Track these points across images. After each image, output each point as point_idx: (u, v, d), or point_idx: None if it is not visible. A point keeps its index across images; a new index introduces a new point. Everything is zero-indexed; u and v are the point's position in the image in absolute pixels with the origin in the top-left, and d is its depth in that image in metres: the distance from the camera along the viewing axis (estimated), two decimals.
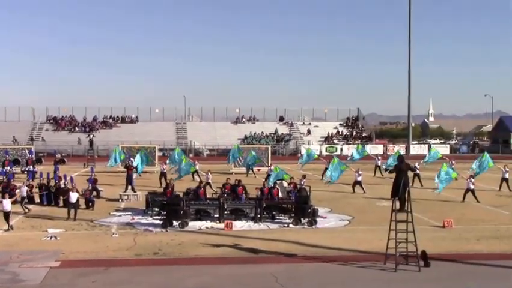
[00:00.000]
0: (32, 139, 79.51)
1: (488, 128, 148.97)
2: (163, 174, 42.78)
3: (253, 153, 47.93)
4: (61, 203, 32.32)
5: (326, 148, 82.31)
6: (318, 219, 27.40)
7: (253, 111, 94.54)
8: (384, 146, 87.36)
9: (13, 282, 17.65)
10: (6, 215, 25.99)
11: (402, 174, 19.61)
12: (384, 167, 46.62)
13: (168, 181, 35.36)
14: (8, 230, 25.61)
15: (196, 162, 47.16)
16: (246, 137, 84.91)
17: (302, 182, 34.47)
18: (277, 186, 31.19)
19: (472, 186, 34.28)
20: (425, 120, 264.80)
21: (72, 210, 28.12)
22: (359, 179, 39.28)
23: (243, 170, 50.66)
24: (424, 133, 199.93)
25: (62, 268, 19.19)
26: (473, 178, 35.11)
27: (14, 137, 76.05)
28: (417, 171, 42.48)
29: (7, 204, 26.13)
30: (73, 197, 28.61)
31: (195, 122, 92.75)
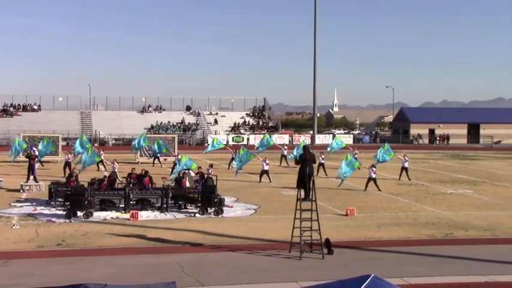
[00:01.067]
0: None
1: (390, 118, 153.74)
2: (67, 164, 41.80)
3: (160, 142, 47.58)
4: None
5: (233, 138, 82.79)
6: (224, 208, 27.52)
7: (160, 100, 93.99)
8: (290, 135, 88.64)
9: None
10: None
11: (306, 164, 19.95)
12: (290, 157, 47.24)
13: (72, 170, 34.59)
14: None
15: (102, 151, 46.52)
16: (152, 127, 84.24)
17: (209, 171, 34.58)
18: (185, 176, 31.13)
19: (373, 175, 35.30)
20: (330, 110, 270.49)
21: None
22: (266, 168, 39.70)
23: (150, 160, 50.21)
24: (329, 123, 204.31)
25: None
26: (374, 167, 36.14)
27: None
28: (322, 161, 43.32)
29: None
30: None
31: (100, 111, 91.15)
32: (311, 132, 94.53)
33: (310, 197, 19.83)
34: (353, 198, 32.00)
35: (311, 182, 19.91)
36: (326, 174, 42.08)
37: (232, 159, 46.97)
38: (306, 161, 20.01)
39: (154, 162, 49.34)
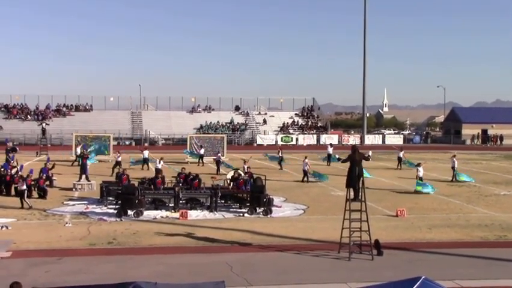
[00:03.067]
0: None
1: (441, 118, 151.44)
2: (117, 163, 42.40)
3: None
4: (13, 192, 31.83)
5: (282, 138, 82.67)
6: (273, 208, 27.50)
7: (209, 100, 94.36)
8: (339, 136, 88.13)
9: None
10: None
11: (356, 164, 19.78)
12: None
13: (122, 170, 35.02)
14: None
15: (146, 150, 47.31)
16: (201, 126, 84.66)
17: (245, 166, 34.85)
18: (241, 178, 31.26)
19: (421, 175, 35.07)
20: (380, 110, 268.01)
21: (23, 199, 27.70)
22: (306, 168, 39.56)
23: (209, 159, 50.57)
24: (378, 123, 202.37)
25: (13, 258, 18.91)
26: (419, 166, 35.82)
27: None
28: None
29: None
30: (23, 186, 28.21)
31: (150, 111, 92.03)
32: (361, 132, 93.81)
33: (360, 197, 19.66)
34: (403, 199, 31.62)
35: (360, 182, 19.74)
36: (308, 181, 40.59)
37: (281, 159, 46.97)
38: (355, 161, 19.83)
39: (199, 162, 49.43)
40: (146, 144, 71.02)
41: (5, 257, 18.96)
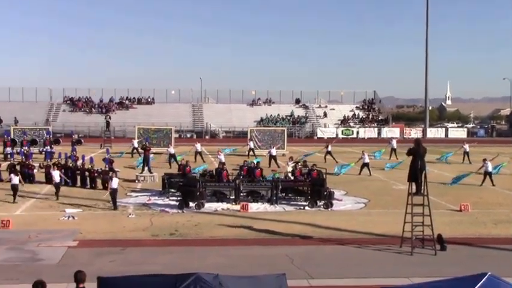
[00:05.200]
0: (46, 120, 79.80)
1: (507, 111, 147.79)
2: (172, 156, 42.93)
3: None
4: (78, 183, 32.61)
5: (342, 131, 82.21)
6: (333, 201, 27.39)
7: (270, 93, 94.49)
8: (400, 129, 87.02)
9: (32, 261, 17.85)
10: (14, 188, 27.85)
11: (418, 158, 19.49)
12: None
13: (180, 161, 35.44)
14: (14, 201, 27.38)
15: (198, 143, 47.68)
16: (262, 119, 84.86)
17: (289, 163, 34.77)
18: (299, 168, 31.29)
19: (489, 169, 34.14)
20: (442, 103, 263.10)
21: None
22: (367, 160, 39.24)
23: (261, 152, 50.56)
24: (441, 117, 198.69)
25: (79, 248, 19.38)
26: (486, 161, 34.89)
27: (47, 119, 76.33)
28: (367, 160, 40.50)
29: (15, 178, 27.97)
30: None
31: (211, 104, 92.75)
32: (423, 125, 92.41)
33: (422, 191, 19.37)
34: (467, 194, 30.99)
35: (423, 176, 19.44)
36: (370, 174, 39.57)
37: (328, 152, 46.56)
38: (417, 155, 19.54)
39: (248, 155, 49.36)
40: (207, 137, 71.55)
41: (71, 247, 19.45)
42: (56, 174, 28.59)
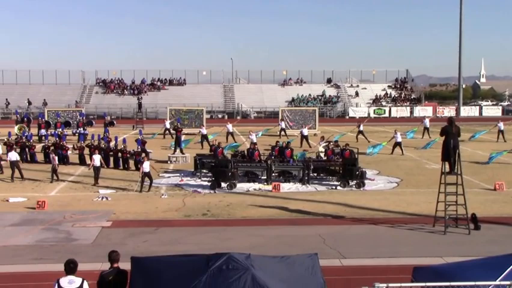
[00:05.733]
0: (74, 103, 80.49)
1: None
2: (204, 137, 43.07)
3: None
4: (111, 164, 32.91)
5: (374, 110, 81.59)
6: (366, 181, 27.27)
7: (301, 73, 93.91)
8: (433, 108, 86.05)
9: (67, 241, 18.12)
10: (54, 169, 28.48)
11: (451, 137, 19.26)
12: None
13: (212, 142, 35.53)
14: (52, 182, 28.17)
15: (229, 123, 47.71)
16: (293, 99, 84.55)
17: (320, 143, 34.65)
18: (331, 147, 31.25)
19: None
20: (476, 81, 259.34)
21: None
22: (399, 140, 38.95)
23: (292, 132, 50.45)
24: (475, 95, 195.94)
25: (113, 228, 19.60)
26: None
27: (76, 101, 77.11)
28: (399, 139, 40.12)
29: (54, 159, 28.88)
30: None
31: (242, 84, 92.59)
32: (456, 104, 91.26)
33: (456, 170, 19.17)
34: (502, 173, 30.61)
35: (456, 155, 19.23)
36: (403, 153, 38.98)
37: (360, 132, 46.24)
38: (450, 134, 19.31)
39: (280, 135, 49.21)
40: (238, 118, 71.54)
41: (105, 227, 19.68)
42: (97, 158, 28.45)
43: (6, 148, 35.78)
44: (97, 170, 27.95)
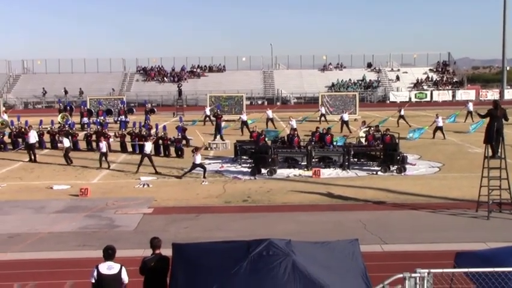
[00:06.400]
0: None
1: None
2: (244, 123, 43.12)
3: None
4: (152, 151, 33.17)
5: (415, 94, 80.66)
6: (407, 166, 27.03)
7: (340, 58, 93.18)
8: (476, 91, 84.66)
9: (110, 227, 18.37)
10: (104, 156, 29.10)
11: (495, 120, 18.93)
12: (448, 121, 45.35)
13: (252, 128, 35.56)
14: (108, 168, 28.72)
15: (269, 109, 47.69)
16: (333, 85, 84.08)
17: (361, 128, 34.40)
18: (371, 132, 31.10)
19: None
20: None
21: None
22: (441, 124, 38.45)
23: (332, 118, 50.22)
24: None
25: (154, 215, 19.81)
26: None
27: (113, 89, 77.91)
28: (440, 124, 39.40)
29: (103, 146, 29.21)
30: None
31: (282, 70, 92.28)
32: (500, 87, 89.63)
33: (499, 154, 18.86)
34: None
35: (500, 138, 18.90)
36: (444, 138, 38.44)
37: (401, 117, 45.79)
38: (494, 117, 18.97)
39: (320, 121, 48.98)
40: (278, 104, 71.34)
41: (147, 214, 19.90)
42: (148, 146, 28.48)
43: (50, 136, 36.53)
44: (148, 156, 27.86)
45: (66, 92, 78.56)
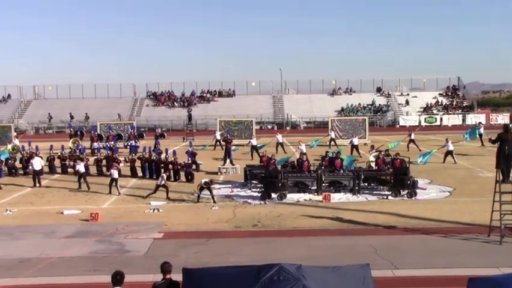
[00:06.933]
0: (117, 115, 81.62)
1: None
2: (254, 148, 43.14)
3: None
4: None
5: (425, 118, 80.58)
6: (417, 190, 26.92)
7: (350, 82, 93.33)
8: (486, 115, 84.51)
9: (120, 252, 18.34)
10: (115, 182, 29.09)
11: (505, 144, 18.86)
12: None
13: (262, 153, 35.55)
14: (119, 194, 28.57)
15: (279, 134, 47.74)
16: (342, 109, 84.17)
17: (370, 152, 34.37)
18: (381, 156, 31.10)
19: None
20: None
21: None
22: (451, 148, 38.34)
23: (342, 142, 50.22)
24: None
25: (165, 239, 19.77)
26: None
27: (119, 114, 78.34)
28: (451, 148, 39.42)
29: (115, 172, 29.33)
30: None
31: (291, 94, 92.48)
32: (510, 111, 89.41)
33: (510, 178, 18.76)
34: None
35: (511, 162, 18.81)
36: (455, 162, 38.14)
37: (411, 141, 45.70)
38: (505, 141, 18.91)
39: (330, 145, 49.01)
40: (288, 128, 71.34)
41: (157, 238, 19.86)
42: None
43: (60, 161, 36.68)
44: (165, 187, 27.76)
45: (72, 117, 79.08)
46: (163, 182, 27.60)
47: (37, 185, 31.68)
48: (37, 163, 32.55)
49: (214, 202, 25.60)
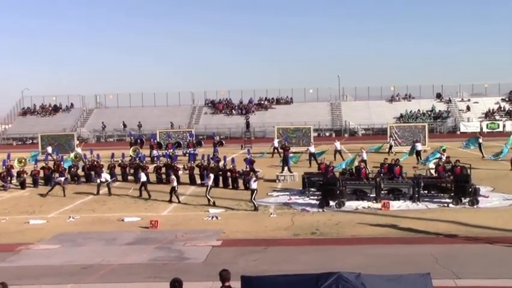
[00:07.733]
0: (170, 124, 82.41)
1: None
2: (312, 155, 42.97)
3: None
4: (221, 184, 33.39)
5: (487, 125, 78.93)
6: (479, 198, 26.37)
7: (409, 88, 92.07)
8: None
9: (179, 259, 18.53)
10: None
11: None
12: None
13: (321, 161, 35.37)
14: (179, 202, 28.86)
15: (337, 141, 47.44)
16: (401, 116, 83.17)
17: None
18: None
19: None
20: None
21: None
22: None
23: (401, 149, 49.67)
24: None
25: (223, 247, 19.87)
26: None
27: (171, 123, 79.24)
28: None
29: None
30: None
31: (349, 101, 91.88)
32: None
33: None
34: None
35: None
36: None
37: (479, 145, 44.87)
38: None
39: (389, 152, 48.45)
40: (346, 135, 70.91)
41: (216, 246, 19.99)
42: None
43: (121, 169, 37.34)
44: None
45: (125, 126, 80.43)
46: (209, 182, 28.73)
47: (99, 192, 32.31)
48: (103, 177, 33.15)
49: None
